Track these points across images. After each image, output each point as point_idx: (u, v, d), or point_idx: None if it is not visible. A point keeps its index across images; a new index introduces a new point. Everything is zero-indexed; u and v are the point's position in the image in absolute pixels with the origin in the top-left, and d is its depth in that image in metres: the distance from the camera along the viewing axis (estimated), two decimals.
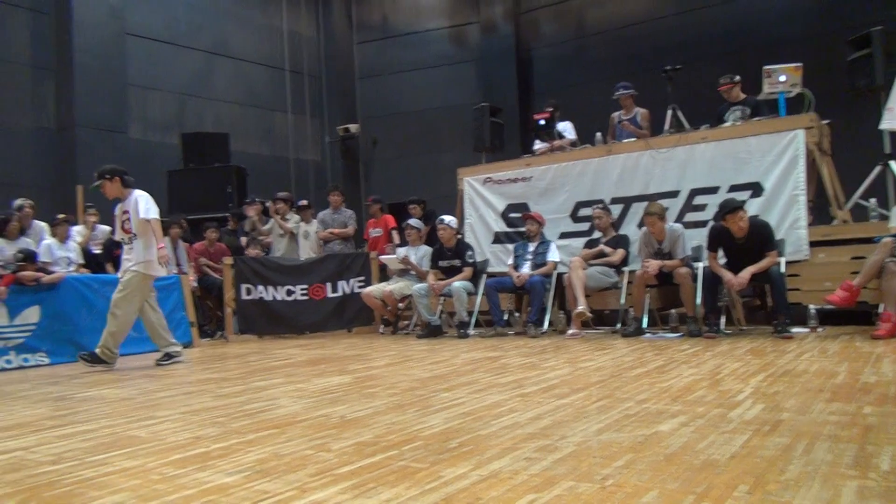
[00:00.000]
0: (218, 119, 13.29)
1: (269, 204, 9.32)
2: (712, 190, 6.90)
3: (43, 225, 7.78)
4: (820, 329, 5.82)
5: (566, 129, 8.55)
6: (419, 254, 7.87)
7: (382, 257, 8.21)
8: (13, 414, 3.64)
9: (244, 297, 8.00)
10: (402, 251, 7.93)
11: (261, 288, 8.03)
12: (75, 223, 8.49)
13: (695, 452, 2.20)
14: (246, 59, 13.99)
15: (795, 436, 2.35)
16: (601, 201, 7.37)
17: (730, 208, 5.65)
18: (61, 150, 10.93)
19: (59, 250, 7.38)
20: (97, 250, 8.03)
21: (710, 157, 6.96)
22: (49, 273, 6.58)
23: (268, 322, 8.12)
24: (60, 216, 7.65)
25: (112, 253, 7.87)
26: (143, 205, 5.61)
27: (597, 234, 7.16)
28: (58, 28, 11.00)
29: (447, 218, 7.43)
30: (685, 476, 1.97)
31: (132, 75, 11.79)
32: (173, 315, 7.41)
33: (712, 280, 5.82)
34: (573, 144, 8.36)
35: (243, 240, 9.31)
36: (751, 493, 1.80)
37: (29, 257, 6.50)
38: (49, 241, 7.43)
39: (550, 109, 8.73)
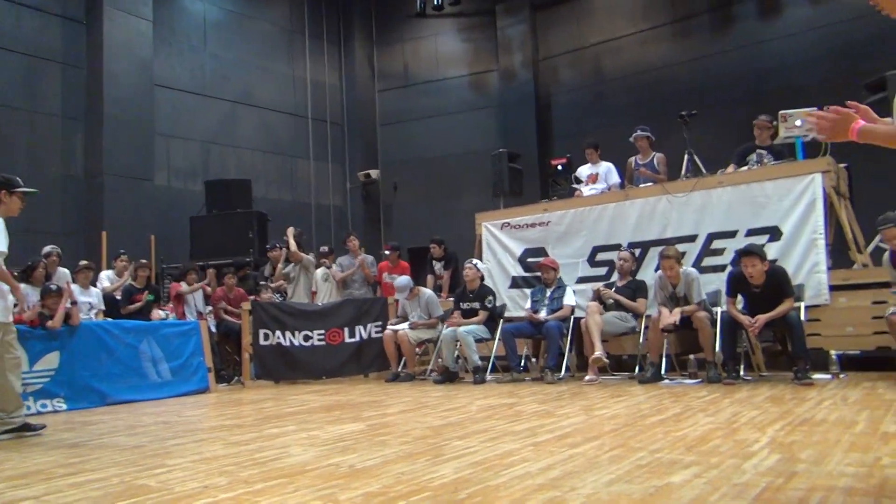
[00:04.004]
0: (241, 166, 13.57)
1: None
2: (730, 234, 6.86)
3: (65, 271, 7.92)
4: (842, 375, 5.69)
5: (609, 170, 8.30)
6: (422, 302, 7.85)
7: (390, 328, 7.87)
8: (26, 461, 3.66)
9: (262, 342, 8.01)
10: (406, 315, 7.89)
11: (278, 333, 8.04)
12: (98, 269, 8.63)
13: None
14: (269, 107, 14.33)
15: (810, 489, 2.30)
16: (618, 246, 7.35)
17: (744, 251, 5.65)
18: (89, 197, 11.22)
19: (82, 295, 7.49)
20: (119, 296, 8.13)
21: (727, 202, 6.94)
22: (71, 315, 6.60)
23: (285, 367, 8.10)
24: (82, 263, 7.79)
25: (131, 298, 7.98)
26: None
27: (614, 278, 7.12)
28: (89, 80, 11.39)
29: (478, 261, 7.51)
30: None
31: (159, 124, 12.13)
32: (191, 360, 7.47)
33: (731, 326, 5.74)
34: (609, 187, 8.14)
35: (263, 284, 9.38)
36: None
37: (54, 292, 6.45)
38: (73, 286, 7.55)
39: (568, 155, 8.78)
